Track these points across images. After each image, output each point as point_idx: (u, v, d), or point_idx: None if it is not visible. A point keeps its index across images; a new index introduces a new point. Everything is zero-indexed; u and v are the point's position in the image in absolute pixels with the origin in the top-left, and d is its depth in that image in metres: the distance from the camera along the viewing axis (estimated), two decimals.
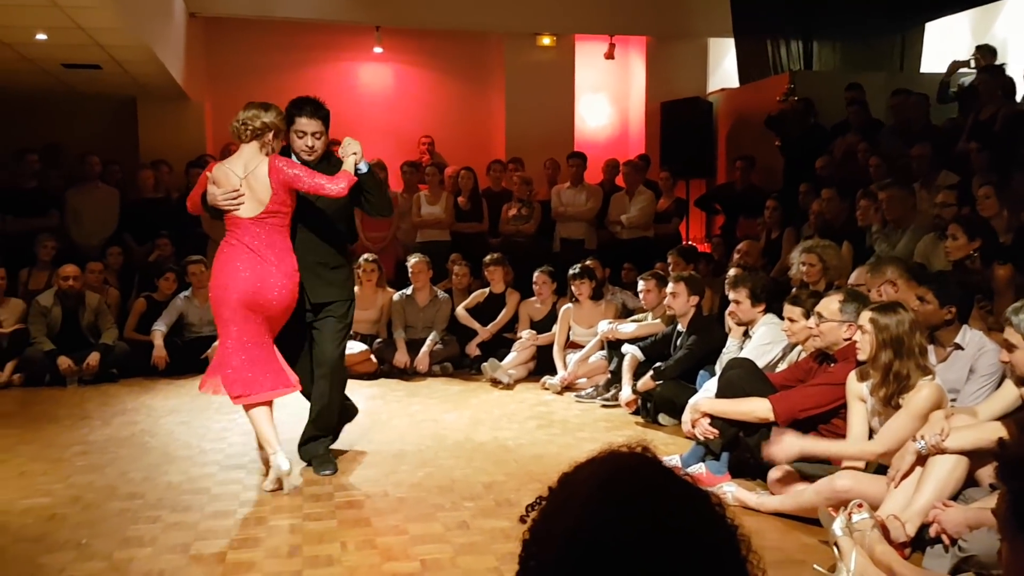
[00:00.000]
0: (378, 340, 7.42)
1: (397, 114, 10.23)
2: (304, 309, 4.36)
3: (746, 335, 5.13)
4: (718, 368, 5.23)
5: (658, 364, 5.54)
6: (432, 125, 9.99)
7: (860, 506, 3.12)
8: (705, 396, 4.57)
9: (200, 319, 7.41)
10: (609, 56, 10.21)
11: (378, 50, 9.88)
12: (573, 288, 6.96)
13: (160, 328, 7.20)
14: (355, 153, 4.35)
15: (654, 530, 0.98)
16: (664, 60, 10.39)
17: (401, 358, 7.19)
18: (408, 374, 7.18)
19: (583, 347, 6.72)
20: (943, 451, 3.16)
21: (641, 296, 6.38)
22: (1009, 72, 7.14)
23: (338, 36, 10.03)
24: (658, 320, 6.14)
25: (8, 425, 5.53)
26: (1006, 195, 5.40)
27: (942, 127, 7.23)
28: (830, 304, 4.10)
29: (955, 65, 8.08)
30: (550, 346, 7.01)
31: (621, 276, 7.94)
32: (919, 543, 3.14)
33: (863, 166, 7.08)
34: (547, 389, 6.62)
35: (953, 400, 3.75)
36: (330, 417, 4.52)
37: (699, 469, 4.18)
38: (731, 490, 3.87)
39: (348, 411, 4.81)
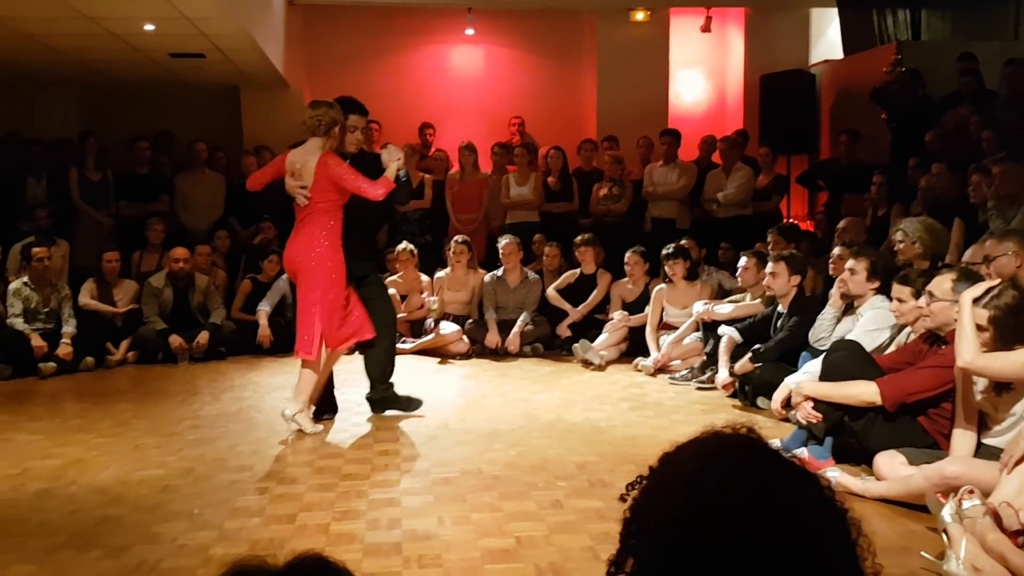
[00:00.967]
0: (470, 321, 7.50)
1: (488, 95, 10.26)
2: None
3: (848, 311, 4.96)
4: (811, 338, 5.09)
5: (757, 346, 5.41)
6: (523, 106, 9.98)
7: (971, 492, 2.99)
8: (804, 377, 4.45)
9: None
10: (705, 29, 9.96)
11: (470, 32, 9.91)
12: (666, 268, 6.86)
13: (264, 308, 7.47)
14: (399, 160, 4.86)
15: (760, 510, 0.96)
16: (763, 32, 10.08)
17: (492, 339, 7.25)
18: (499, 354, 7.24)
19: (676, 328, 6.63)
20: None
21: (739, 273, 6.24)
22: None
23: (430, 19, 10.10)
24: (756, 301, 6.00)
25: (123, 401, 5.83)
26: None
27: None
28: (942, 283, 3.92)
29: None
30: (642, 327, 6.94)
31: (718, 256, 7.79)
32: None
33: (975, 140, 6.74)
34: (640, 371, 6.57)
35: None
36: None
37: (801, 454, 4.07)
38: (835, 475, 3.76)
39: (411, 402, 5.23)
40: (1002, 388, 3.43)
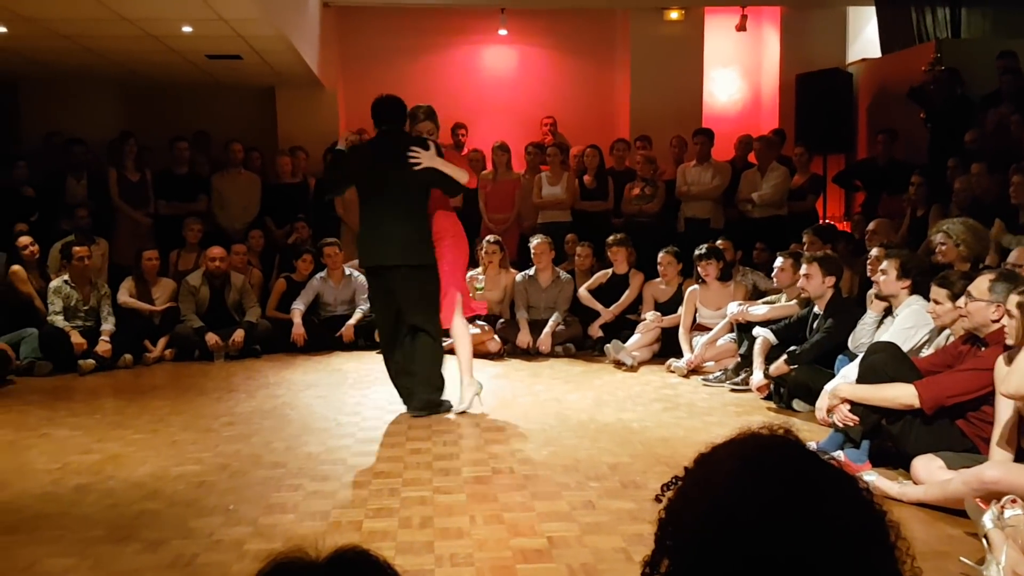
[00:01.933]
0: (501, 320, 7.51)
1: (521, 95, 10.27)
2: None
3: (888, 313, 4.89)
4: (850, 344, 5.02)
5: (792, 348, 5.35)
6: (555, 105, 9.97)
7: (1014, 502, 2.93)
8: (844, 381, 4.39)
9: (335, 299, 7.70)
10: (740, 28, 9.86)
11: (503, 32, 9.92)
12: (700, 269, 6.81)
13: (299, 307, 7.54)
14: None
15: (798, 511, 0.95)
16: (800, 30, 9.98)
17: (524, 338, 7.25)
18: (531, 354, 7.23)
19: (710, 329, 6.58)
20: None
21: (775, 274, 6.18)
22: None
23: (464, 19, 10.14)
24: (792, 302, 5.93)
25: (160, 397, 5.92)
26: None
27: None
28: (981, 283, 3.85)
29: None
30: (675, 328, 6.90)
31: (752, 257, 7.71)
32: None
33: (1016, 139, 6.61)
34: (673, 372, 6.53)
35: None
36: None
37: (838, 457, 4.02)
38: (872, 479, 3.71)
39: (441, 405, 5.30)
40: None
